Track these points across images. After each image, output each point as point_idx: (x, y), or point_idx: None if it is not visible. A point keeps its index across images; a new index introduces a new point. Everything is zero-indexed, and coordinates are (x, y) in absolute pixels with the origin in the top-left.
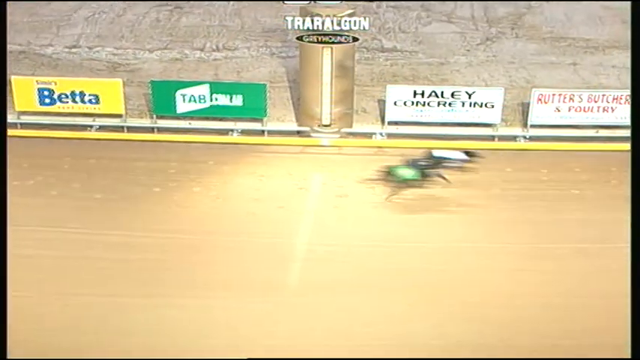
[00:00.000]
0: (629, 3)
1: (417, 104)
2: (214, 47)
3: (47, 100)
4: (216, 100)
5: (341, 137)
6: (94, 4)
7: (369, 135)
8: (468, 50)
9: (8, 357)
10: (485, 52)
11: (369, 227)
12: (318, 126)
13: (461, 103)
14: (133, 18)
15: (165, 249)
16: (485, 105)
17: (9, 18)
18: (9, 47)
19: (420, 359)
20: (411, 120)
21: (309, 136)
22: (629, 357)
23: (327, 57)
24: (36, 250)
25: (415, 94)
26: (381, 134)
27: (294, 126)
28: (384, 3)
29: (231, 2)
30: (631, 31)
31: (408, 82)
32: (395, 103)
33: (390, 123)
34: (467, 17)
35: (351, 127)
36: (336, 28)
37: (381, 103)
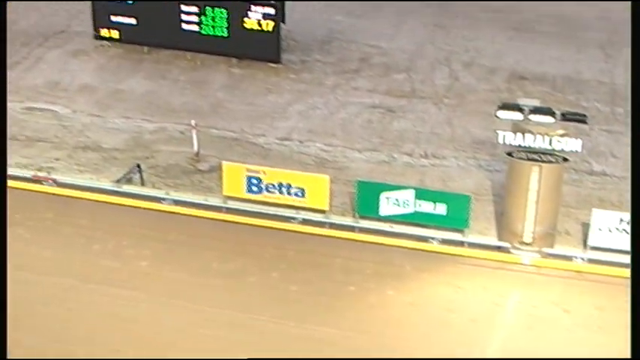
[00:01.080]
0: None
1: (622, 232)
2: (422, 153)
3: (254, 189)
4: (420, 206)
5: (541, 257)
6: (310, 99)
7: (569, 258)
8: None
9: (8, 357)
10: None
11: (562, 353)
12: (519, 243)
13: None
14: (345, 117)
15: (356, 349)
16: None
17: (228, 105)
18: (225, 133)
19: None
20: (614, 247)
21: (509, 252)
22: (629, 357)
23: (535, 175)
24: (220, 332)
25: (621, 221)
26: (582, 258)
27: (494, 241)
28: (597, 126)
29: (444, 111)
30: (631, 31)
31: (614, 208)
32: (599, 229)
33: (592, 248)
34: None
35: (552, 247)
36: (547, 147)
37: (585, 226)
